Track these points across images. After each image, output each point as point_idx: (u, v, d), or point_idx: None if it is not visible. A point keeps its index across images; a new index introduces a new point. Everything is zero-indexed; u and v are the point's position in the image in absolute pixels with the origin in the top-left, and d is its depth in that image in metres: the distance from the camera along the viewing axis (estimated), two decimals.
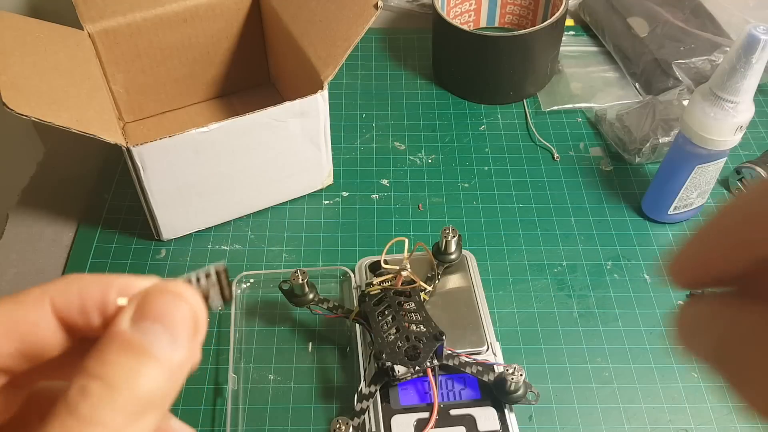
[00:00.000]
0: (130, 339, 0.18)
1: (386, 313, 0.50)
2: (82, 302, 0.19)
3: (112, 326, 0.18)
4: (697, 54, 0.73)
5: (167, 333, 0.18)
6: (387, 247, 0.52)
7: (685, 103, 0.68)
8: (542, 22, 0.72)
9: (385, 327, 0.49)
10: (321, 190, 0.67)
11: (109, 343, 0.18)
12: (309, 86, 0.59)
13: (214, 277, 0.21)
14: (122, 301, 0.19)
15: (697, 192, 0.61)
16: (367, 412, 0.48)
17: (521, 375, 0.47)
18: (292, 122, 0.59)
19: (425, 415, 0.48)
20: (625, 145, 0.69)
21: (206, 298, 0.21)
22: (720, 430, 0.51)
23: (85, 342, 0.20)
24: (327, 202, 0.67)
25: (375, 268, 0.56)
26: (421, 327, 0.48)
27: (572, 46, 0.82)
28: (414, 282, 0.51)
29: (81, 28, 0.63)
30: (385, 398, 0.49)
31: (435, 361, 0.48)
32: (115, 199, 0.67)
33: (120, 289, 0.20)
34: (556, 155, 0.71)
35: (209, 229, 0.64)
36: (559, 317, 0.58)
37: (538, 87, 0.77)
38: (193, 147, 0.56)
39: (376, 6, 0.56)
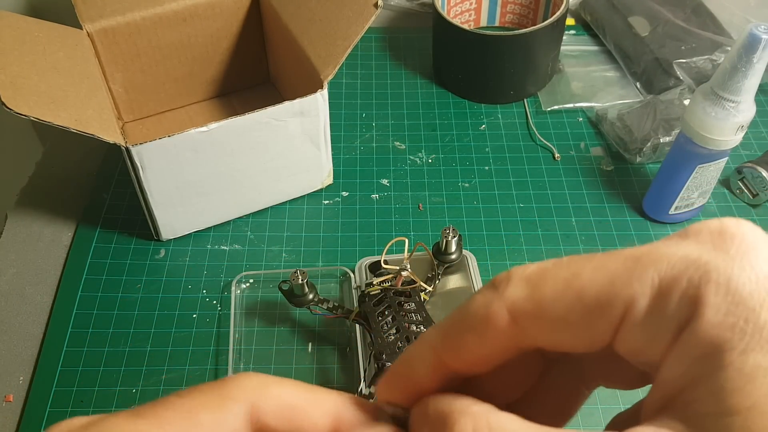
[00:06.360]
0: None
1: (386, 313, 0.50)
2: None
3: None
4: (698, 53, 0.72)
5: None
6: (387, 247, 0.52)
7: (686, 102, 0.68)
8: (543, 22, 0.72)
9: (385, 327, 0.49)
10: (321, 190, 0.67)
11: None
12: (309, 85, 0.59)
13: None
14: None
15: (698, 192, 0.61)
16: None
17: None
18: (292, 122, 0.59)
19: None
20: (626, 145, 0.69)
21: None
22: None
23: None
24: (327, 202, 0.67)
25: (375, 268, 0.56)
26: (422, 327, 0.48)
27: (573, 46, 0.82)
28: (414, 282, 0.51)
29: (80, 27, 0.63)
30: None
31: None
32: (114, 199, 0.67)
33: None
34: (556, 155, 0.70)
35: (209, 229, 0.64)
36: None
37: (539, 86, 0.77)
38: (192, 147, 0.56)
39: (376, 5, 0.56)
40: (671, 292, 0.17)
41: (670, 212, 0.63)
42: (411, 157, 0.71)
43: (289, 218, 0.65)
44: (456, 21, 0.74)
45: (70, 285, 0.60)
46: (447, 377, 0.21)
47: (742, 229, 0.18)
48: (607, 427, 0.21)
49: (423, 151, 0.71)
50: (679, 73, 0.72)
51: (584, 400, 0.23)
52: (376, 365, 0.48)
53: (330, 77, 0.58)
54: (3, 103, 0.48)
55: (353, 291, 0.56)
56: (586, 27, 0.85)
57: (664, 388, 0.18)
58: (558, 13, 0.72)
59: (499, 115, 0.75)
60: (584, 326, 0.19)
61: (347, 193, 0.67)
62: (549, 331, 0.19)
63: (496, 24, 0.85)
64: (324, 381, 0.54)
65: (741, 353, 0.16)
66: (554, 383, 0.23)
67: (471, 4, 0.82)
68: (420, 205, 0.66)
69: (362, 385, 0.49)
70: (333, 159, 0.66)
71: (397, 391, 0.22)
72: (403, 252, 0.52)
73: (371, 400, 0.21)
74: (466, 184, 0.68)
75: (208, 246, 0.63)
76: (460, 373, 0.21)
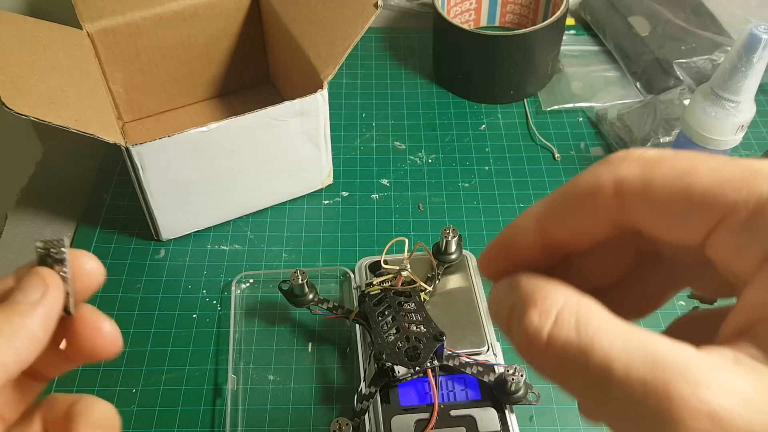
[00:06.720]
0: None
1: (386, 313, 0.50)
2: None
3: None
4: (698, 53, 0.72)
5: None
6: (387, 247, 0.52)
7: (686, 102, 0.68)
8: (543, 22, 0.72)
9: (385, 327, 0.49)
10: (321, 190, 0.67)
11: None
12: (309, 86, 0.59)
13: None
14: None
15: None
16: (366, 413, 0.48)
17: (522, 375, 0.47)
18: (292, 122, 0.59)
19: (425, 415, 0.48)
20: (626, 145, 0.69)
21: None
22: None
23: None
24: (327, 202, 0.67)
25: (375, 268, 0.56)
26: (422, 327, 0.48)
27: (573, 46, 0.82)
28: (414, 282, 0.51)
29: (80, 27, 0.63)
30: (385, 399, 0.48)
31: (435, 362, 0.48)
32: (114, 199, 0.67)
33: None
34: (556, 155, 0.70)
35: (208, 229, 0.64)
36: None
37: (539, 86, 0.77)
38: (192, 146, 0.56)
39: (376, 5, 0.56)
40: None
41: None
42: (411, 157, 0.71)
43: (289, 218, 0.65)
44: (456, 21, 0.74)
45: None
46: (547, 251, 0.22)
47: None
48: (668, 328, 0.22)
49: (423, 151, 0.71)
50: (679, 73, 0.72)
51: (669, 299, 0.24)
52: (376, 365, 0.48)
53: (330, 77, 0.58)
54: (3, 103, 0.48)
55: (353, 291, 0.56)
56: (586, 27, 0.85)
57: (746, 312, 0.18)
58: (558, 13, 0.72)
59: (499, 115, 0.75)
60: (683, 217, 0.19)
61: (347, 193, 0.67)
62: (649, 213, 0.19)
63: (496, 24, 0.85)
64: (324, 381, 0.54)
65: None
66: (644, 277, 0.24)
67: (471, 4, 0.82)
68: (420, 205, 0.66)
69: (362, 385, 0.49)
70: (333, 159, 0.66)
71: (496, 261, 0.22)
72: (403, 252, 0.52)
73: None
74: (466, 184, 0.68)
75: (208, 246, 0.63)
76: (559, 248, 0.21)
